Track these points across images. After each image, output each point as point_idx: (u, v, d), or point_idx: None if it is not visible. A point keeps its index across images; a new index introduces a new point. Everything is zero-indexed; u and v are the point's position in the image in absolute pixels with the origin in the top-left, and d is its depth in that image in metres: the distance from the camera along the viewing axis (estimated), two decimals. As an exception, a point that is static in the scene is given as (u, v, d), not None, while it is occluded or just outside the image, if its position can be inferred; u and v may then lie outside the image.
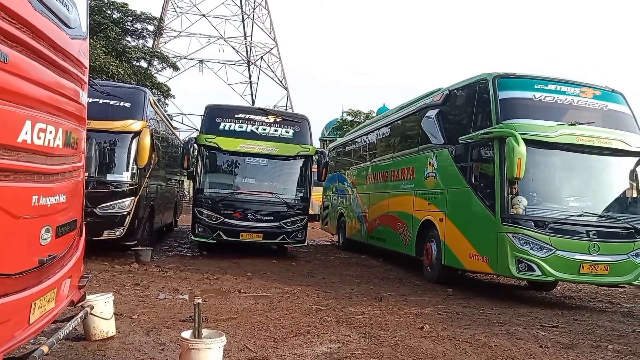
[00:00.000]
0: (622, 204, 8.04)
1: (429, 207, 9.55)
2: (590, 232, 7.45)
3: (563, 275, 7.39)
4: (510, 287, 9.69)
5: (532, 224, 7.37)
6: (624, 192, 8.07)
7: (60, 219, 3.42)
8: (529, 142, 7.28)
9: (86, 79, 3.92)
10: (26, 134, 2.77)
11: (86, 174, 4.39)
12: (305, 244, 12.04)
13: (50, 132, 3.08)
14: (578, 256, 7.30)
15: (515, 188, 7.49)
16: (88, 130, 4.11)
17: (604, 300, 8.74)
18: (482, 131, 7.95)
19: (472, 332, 5.73)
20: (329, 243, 16.70)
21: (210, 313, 5.88)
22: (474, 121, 8.40)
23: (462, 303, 7.45)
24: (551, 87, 8.00)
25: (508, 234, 7.36)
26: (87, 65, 3.94)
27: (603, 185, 8.23)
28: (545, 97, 7.92)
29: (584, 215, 7.59)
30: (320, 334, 5.34)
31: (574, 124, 7.66)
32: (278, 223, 11.04)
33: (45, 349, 3.03)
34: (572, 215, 7.52)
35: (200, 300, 3.77)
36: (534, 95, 7.93)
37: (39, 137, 2.92)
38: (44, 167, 3.09)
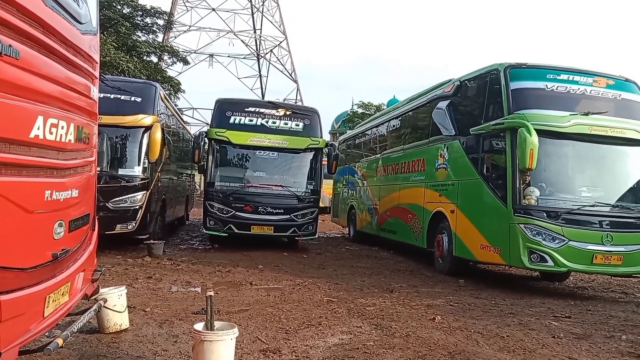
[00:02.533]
0: (635, 194, 7.94)
1: (440, 198, 9.52)
2: (603, 223, 7.41)
3: (576, 265, 7.37)
4: (522, 278, 9.65)
5: (545, 214, 7.34)
6: (638, 182, 7.97)
7: (73, 214, 3.45)
8: (541, 133, 7.24)
9: (97, 74, 3.93)
10: (38, 129, 2.79)
11: (98, 168, 4.42)
12: (316, 236, 12.08)
13: (62, 127, 3.10)
14: (591, 246, 7.27)
15: (527, 179, 7.47)
16: (99, 125, 4.13)
17: (617, 290, 8.69)
18: (493, 122, 7.90)
19: (484, 323, 5.72)
20: (339, 235, 16.73)
21: (223, 305, 5.92)
22: (485, 112, 8.34)
23: (474, 294, 7.44)
24: (563, 76, 7.92)
25: (520, 225, 7.33)
26: (98, 61, 3.95)
27: (616, 176, 8.14)
28: (558, 87, 7.85)
29: (597, 206, 7.56)
30: (332, 325, 5.35)
31: (587, 114, 7.58)
32: (289, 216, 11.08)
33: (60, 341, 3.06)
34: (585, 206, 7.47)
35: (212, 293, 3.78)
36: (546, 85, 7.86)
37: (51, 132, 2.94)
38: (56, 162, 3.11)
